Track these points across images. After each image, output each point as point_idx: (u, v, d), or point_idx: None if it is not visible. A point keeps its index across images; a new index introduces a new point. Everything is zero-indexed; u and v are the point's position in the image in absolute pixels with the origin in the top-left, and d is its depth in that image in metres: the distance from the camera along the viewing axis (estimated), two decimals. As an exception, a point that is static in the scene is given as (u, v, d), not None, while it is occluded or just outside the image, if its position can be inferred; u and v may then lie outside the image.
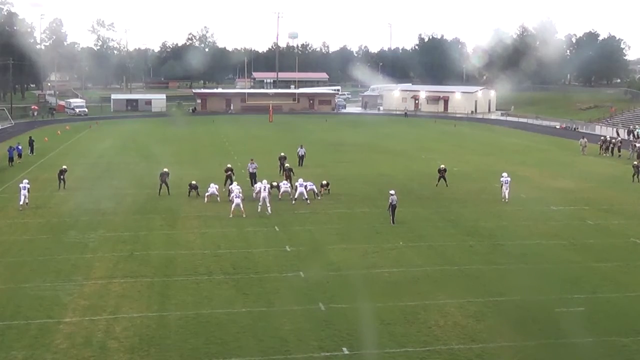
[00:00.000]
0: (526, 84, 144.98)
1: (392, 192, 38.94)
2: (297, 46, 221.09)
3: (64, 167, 49.41)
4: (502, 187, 44.68)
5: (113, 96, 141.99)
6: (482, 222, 39.07)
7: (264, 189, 40.51)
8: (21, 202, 41.36)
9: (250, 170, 47.92)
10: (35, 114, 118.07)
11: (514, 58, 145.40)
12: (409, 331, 23.10)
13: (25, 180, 42.69)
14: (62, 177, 48.19)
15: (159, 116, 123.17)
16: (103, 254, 31.84)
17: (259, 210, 40.04)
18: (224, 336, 22.50)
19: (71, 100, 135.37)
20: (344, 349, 21.65)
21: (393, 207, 38.14)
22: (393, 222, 37.91)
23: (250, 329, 23.15)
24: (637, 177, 51.95)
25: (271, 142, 77.23)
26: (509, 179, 44.68)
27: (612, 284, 28.63)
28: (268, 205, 40.01)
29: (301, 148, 60.64)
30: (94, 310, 24.62)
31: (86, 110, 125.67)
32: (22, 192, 41.40)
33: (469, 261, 31.45)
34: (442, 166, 49.86)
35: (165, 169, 46.55)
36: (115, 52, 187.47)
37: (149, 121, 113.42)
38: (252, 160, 49.31)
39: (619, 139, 76.90)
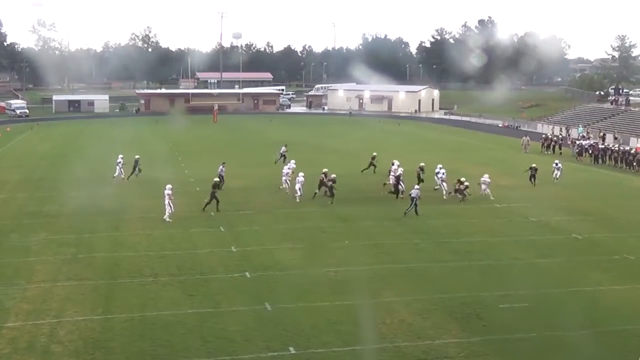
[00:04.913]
0: (470, 83, 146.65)
1: (416, 186, 41.57)
2: (241, 46, 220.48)
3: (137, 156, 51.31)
4: (441, 182, 47.10)
5: (55, 97, 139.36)
6: (428, 220, 39.37)
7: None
8: (116, 174, 49.52)
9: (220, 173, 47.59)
10: None
11: (457, 57, 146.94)
12: (355, 329, 23.19)
13: (121, 156, 50.38)
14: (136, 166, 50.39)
15: (102, 117, 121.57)
16: (46, 257, 31.28)
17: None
18: (170, 338, 22.33)
19: (11, 101, 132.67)
20: (291, 348, 21.66)
21: (412, 199, 39.92)
22: (416, 213, 39.67)
23: (197, 330, 23.01)
24: (533, 180, 51.01)
25: (217, 143, 76.73)
26: (444, 170, 47.41)
27: (555, 279, 29.17)
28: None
29: (284, 147, 62.18)
30: (37, 314, 24.18)
31: (27, 111, 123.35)
32: (117, 167, 49.58)
33: (415, 259, 31.72)
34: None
35: (218, 178, 44.03)
36: (57, 52, 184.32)
37: (92, 122, 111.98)
38: (223, 163, 49.12)
39: (560, 136, 78.49)
